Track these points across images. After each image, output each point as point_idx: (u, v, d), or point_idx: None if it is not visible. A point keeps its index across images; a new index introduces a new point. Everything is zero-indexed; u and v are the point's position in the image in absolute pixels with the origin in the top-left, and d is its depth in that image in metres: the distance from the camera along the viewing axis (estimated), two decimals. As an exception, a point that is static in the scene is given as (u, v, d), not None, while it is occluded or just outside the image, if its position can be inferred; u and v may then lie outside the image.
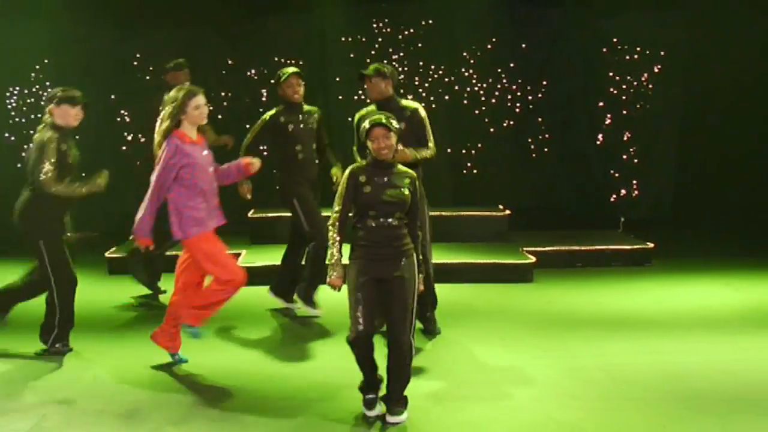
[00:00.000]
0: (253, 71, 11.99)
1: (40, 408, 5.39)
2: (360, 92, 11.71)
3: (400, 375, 5.10)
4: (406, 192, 5.08)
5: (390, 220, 5.04)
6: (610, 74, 12.00)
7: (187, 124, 6.01)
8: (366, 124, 5.10)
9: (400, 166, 5.20)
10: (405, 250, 5.09)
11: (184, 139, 5.98)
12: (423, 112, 6.98)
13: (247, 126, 11.85)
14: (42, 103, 11.81)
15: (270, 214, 10.46)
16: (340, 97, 11.89)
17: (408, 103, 7.09)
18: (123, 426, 5.10)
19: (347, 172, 5.16)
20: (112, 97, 11.93)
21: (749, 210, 11.69)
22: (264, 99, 11.96)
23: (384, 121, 5.07)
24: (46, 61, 11.85)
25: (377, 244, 5.04)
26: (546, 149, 12.24)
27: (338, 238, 5.13)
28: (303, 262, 7.81)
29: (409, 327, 5.07)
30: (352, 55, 11.93)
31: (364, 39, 11.99)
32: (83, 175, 11.89)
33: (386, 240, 5.05)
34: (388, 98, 6.82)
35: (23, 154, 11.95)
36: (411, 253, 5.13)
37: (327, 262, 5.19)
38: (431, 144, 7.08)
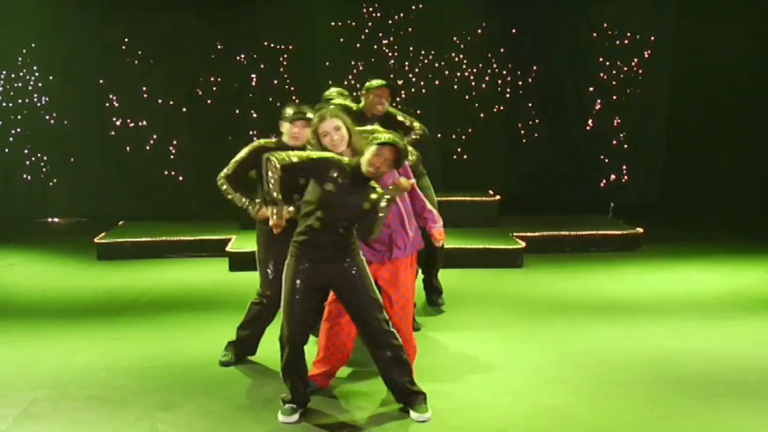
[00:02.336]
0: (242, 56, 11.93)
1: (29, 394, 5.38)
2: (350, 77, 11.68)
3: (397, 363, 4.94)
4: (367, 206, 4.77)
5: (338, 229, 4.80)
6: (600, 59, 12.00)
7: None
8: (380, 138, 4.78)
9: (373, 182, 4.86)
10: (350, 251, 4.88)
11: None
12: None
13: (237, 111, 11.92)
14: (30, 87, 11.81)
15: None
16: (330, 82, 11.83)
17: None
18: (112, 412, 5.10)
19: (322, 156, 4.86)
20: (101, 81, 11.86)
21: (738, 196, 11.75)
22: (253, 84, 11.92)
23: (398, 143, 4.78)
24: (33, 45, 11.76)
25: (319, 248, 4.82)
26: (536, 134, 12.24)
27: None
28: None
29: (377, 316, 4.88)
30: (341, 40, 11.89)
31: (353, 24, 11.95)
32: (71, 160, 11.96)
33: (329, 245, 4.82)
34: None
35: (10, 139, 11.91)
36: (356, 253, 4.91)
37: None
38: (414, 123, 7.02)
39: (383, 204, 4.82)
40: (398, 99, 10.95)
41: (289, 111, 5.77)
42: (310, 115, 5.63)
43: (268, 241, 5.73)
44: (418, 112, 11.96)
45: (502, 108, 12.22)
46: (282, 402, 5.00)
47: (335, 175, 4.78)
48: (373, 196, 4.80)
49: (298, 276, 4.85)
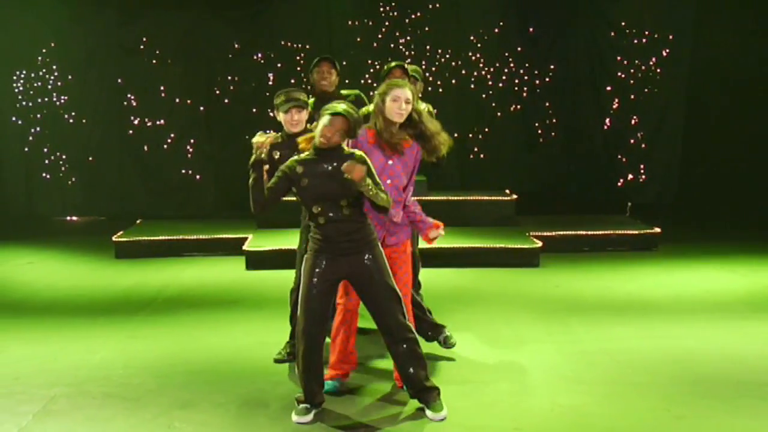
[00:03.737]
0: (259, 55, 11.97)
1: (48, 391, 5.42)
2: (367, 76, 11.70)
3: (413, 358, 4.93)
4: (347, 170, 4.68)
5: (342, 210, 4.78)
6: (618, 58, 11.96)
7: None
8: (326, 116, 4.79)
9: (347, 150, 4.86)
10: (368, 242, 4.86)
11: None
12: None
13: (254, 110, 11.96)
14: (49, 86, 11.91)
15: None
16: (347, 81, 11.85)
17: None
18: (129, 409, 5.13)
19: (284, 165, 4.85)
20: (119, 81, 11.94)
21: (756, 195, 11.67)
22: (270, 83, 11.95)
23: (340, 111, 4.78)
24: (52, 44, 11.85)
25: (335, 241, 4.81)
26: (553, 134, 12.21)
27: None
28: None
29: (397, 308, 4.88)
30: (358, 39, 11.90)
31: (370, 23, 11.96)
32: (90, 159, 12.05)
33: (344, 235, 4.80)
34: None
35: (30, 138, 12.00)
36: (374, 244, 4.89)
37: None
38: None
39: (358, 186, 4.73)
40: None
41: (280, 100, 5.73)
42: (300, 96, 5.64)
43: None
44: (435, 111, 11.95)
45: (519, 107, 12.20)
46: (296, 402, 5.00)
47: (300, 171, 4.81)
48: (345, 164, 4.70)
49: (316, 270, 4.85)
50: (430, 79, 11.98)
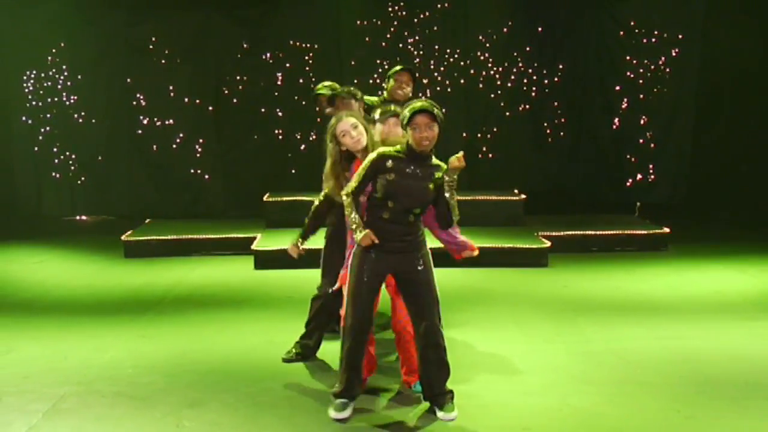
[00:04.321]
0: (268, 55, 11.98)
1: (58, 390, 5.44)
2: (375, 76, 11.69)
3: (440, 365, 4.96)
4: (432, 187, 4.83)
5: (408, 216, 4.83)
6: (627, 58, 11.92)
7: None
8: (407, 112, 4.80)
9: (435, 160, 4.91)
10: (418, 243, 4.91)
11: None
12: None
13: (263, 110, 11.98)
14: (59, 86, 11.94)
15: (285, 198, 10.49)
16: (355, 81, 11.85)
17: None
18: (139, 408, 5.14)
19: (375, 153, 4.90)
20: (128, 80, 11.96)
21: (766, 195, 11.62)
22: (279, 83, 11.96)
23: (428, 107, 4.80)
24: (62, 44, 11.88)
25: (389, 238, 4.83)
26: (562, 133, 12.18)
27: (354, 206, 4.84)
28: None
29: (437, 312, 4.94)
30: (367, 39, 11.90)
31: (379, 23, 11.95)
32: (99, 158, 12.08)
33: (398, 236, 4.84)
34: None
35: (39, 138, 12.04)
36: (423, 246, 4.94)
37: (351, 226, 4.88)
38: None
39: (446, 189, 4.86)
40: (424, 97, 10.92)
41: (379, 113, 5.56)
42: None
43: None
44: (443, 110, 11.93)
45: (527, 107, 12.17)
46: (333, 396, 4.97)
47: (390, 164, 4.81)
48: (438, 174, 4.84)
49: (366, 265, 4.86)
50: (438, 78, 11.97)
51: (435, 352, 4.95)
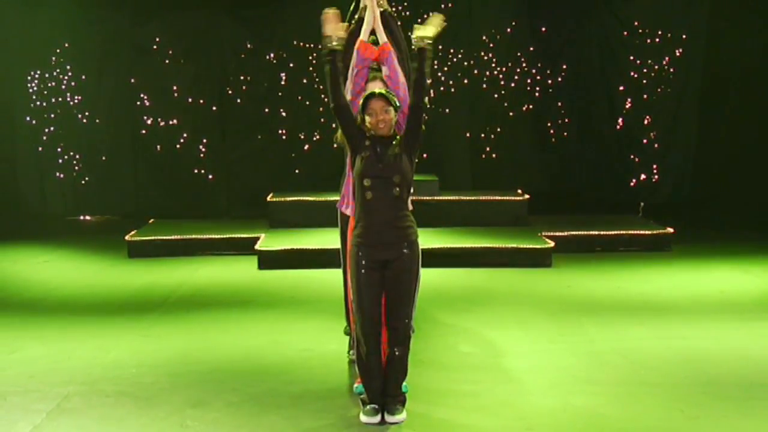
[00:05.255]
0: (272, 55, 11.98)
1: (62, 389, 5.44)
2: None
3: (403, 369, 4.90)
4: (397, 150, 4.82)
5: (392, 189, 4.77)
6: (631, 58, 11.90)
7: None
8: (361, 99, 4.87)
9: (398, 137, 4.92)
10: (408, 234, 4.86)
11: None
12: None
13: (266, 110, 11.98)
14: (63, 87, 11.96)
15: (288, 199, 10.50)
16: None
17: None
18: (142, 408, 5.15)
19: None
20: (132, 80, 11.98)
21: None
22: (283, 83, 11.97)
23: (380, 91, 4.84)
24: (66, 45, 11.90)
25: (376, 225, 4.80)
26: (565, 133, 12.17)
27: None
28: None
29: (405, 314, 4.86)
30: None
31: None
32: (103, 158, 12.10)
33: (386, 221, 4.79)
34: None
35: (44, 138, 12.06)
36: (414, 240, 4.89)
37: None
38: None
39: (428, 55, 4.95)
40: (426, 98, 10.92)
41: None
42: None
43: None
44: (447, 111, 11.97)
45: (531, 107, 12.17)
46: (362, 403, 4.95)
47: (367, 143, 4.84)
48: (397, 140, 4.87)
49: (361, 265, 4.83)
50: (442, 79, 11.97)
51: (398, 353, 4.88)
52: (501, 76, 12.10)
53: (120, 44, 11.93)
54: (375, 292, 4.86)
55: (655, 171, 12.05)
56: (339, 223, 5.74)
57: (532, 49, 12.05)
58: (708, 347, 6.27)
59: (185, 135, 12.05)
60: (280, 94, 12.01)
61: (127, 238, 10.06)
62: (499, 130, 12.17)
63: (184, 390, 5.45)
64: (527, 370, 5.82)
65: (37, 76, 11.98)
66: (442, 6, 11.93)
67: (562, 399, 5.25)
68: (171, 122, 12.04)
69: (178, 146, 12.05)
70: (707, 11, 11.78)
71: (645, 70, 11.90)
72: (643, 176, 12.06)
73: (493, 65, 12.09)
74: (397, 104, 4.91)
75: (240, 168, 12.07)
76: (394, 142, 4.89)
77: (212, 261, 9.66)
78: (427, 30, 5.03)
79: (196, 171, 12.08)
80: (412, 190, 5.07)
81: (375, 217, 4.82)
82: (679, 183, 12.11)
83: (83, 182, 12.14)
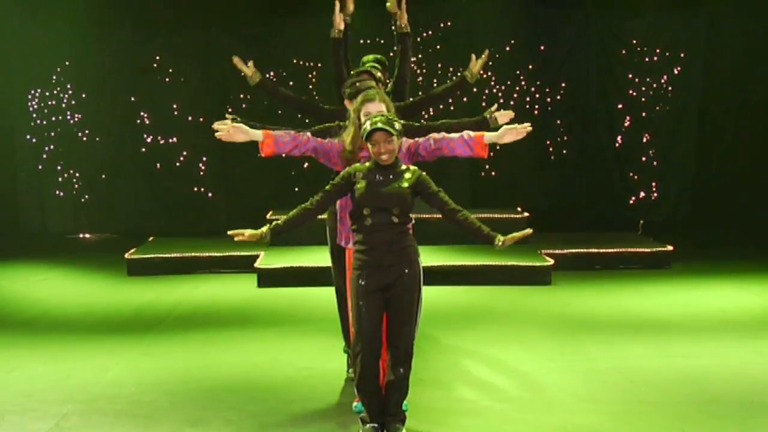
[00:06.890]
0: (271, 73, 12.02)
1: (60, 408, 5.43)
2: (378, 94, 11.72)
3: (403, 389, 4.85)
4: (405, 185, 4.80)
5: (390, 216, 4.77)
6: (630, 76, 11.95)
7: None
8: (367, 127, 4.83)
9: (403, 166, 4.92)
10: (408, 254, 4.85)
11: None
12: None
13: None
14: (63, 105, 12.00)
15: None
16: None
17: None
18: (141, 427, 5.13)
19: (346, 170, 4.95)
20: (132, 99, 12.02)
21: (770, 213, 11.60)
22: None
23: (382, 125, 4.78)
24: (67, 63, 11.95)
25: (376, 248, 4.78)
26: (564, 151, 12.20)
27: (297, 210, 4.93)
28: None
29: (407, 333, 4.83)
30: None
31: (382, 41, 11.98)
32: (103, 176, 12.11)
33: (386, 243, 4.78)
34: None
35: (44, 156, 12.08)
36: (414, 259, 4.87)
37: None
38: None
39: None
40: (426, 115, 10.98)
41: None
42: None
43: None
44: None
45: (530, 125, 12.17)
46: (362, 422, 4.93)
47: (360, 176, 4.84)
48: (408, 176, 4.86)
49: (361, 287, 4.81)
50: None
51: (401, 372, 4.84)
52: (500, 94, 12.13)
53: (120, 63, 11.98)
54: (376, 313, 4.83)
55: (654, 189, 12.07)
56: (328, 242, 5.76)
57: (531, 67, 12.09)
58: (708, 365, 6.26)
59: (185, 153, 12.08)
60: (279, 112, 12.03)
61: (126, 256, 10.06)
62: (498, 147, 12.12)
63: (184, 409, 5.43)
64: (527, 389, 5.81)
65: (37, 94, 12.02)
66: (441, 25, 12.00)
67: (562, 417, 5.24)
68: (171, 140, 12.07)
69: (177, 164, 12.07)
70: (705, 30, 11.84)
71: (644, 89, 11.95)
72: (642, 194, 12.08)
73: (492, 83, 12.13)
74: (398, 130, 4.87)
75: (240, 186, 12.09)
76: (398, 170, 4.88)
77: (212, 279, 9.66)
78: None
79: (195, 189, 12.10)
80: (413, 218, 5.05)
81: (375, 240, 4.81)
82: (679, 201, 12.12)
83: (83, 200, 12.16)
